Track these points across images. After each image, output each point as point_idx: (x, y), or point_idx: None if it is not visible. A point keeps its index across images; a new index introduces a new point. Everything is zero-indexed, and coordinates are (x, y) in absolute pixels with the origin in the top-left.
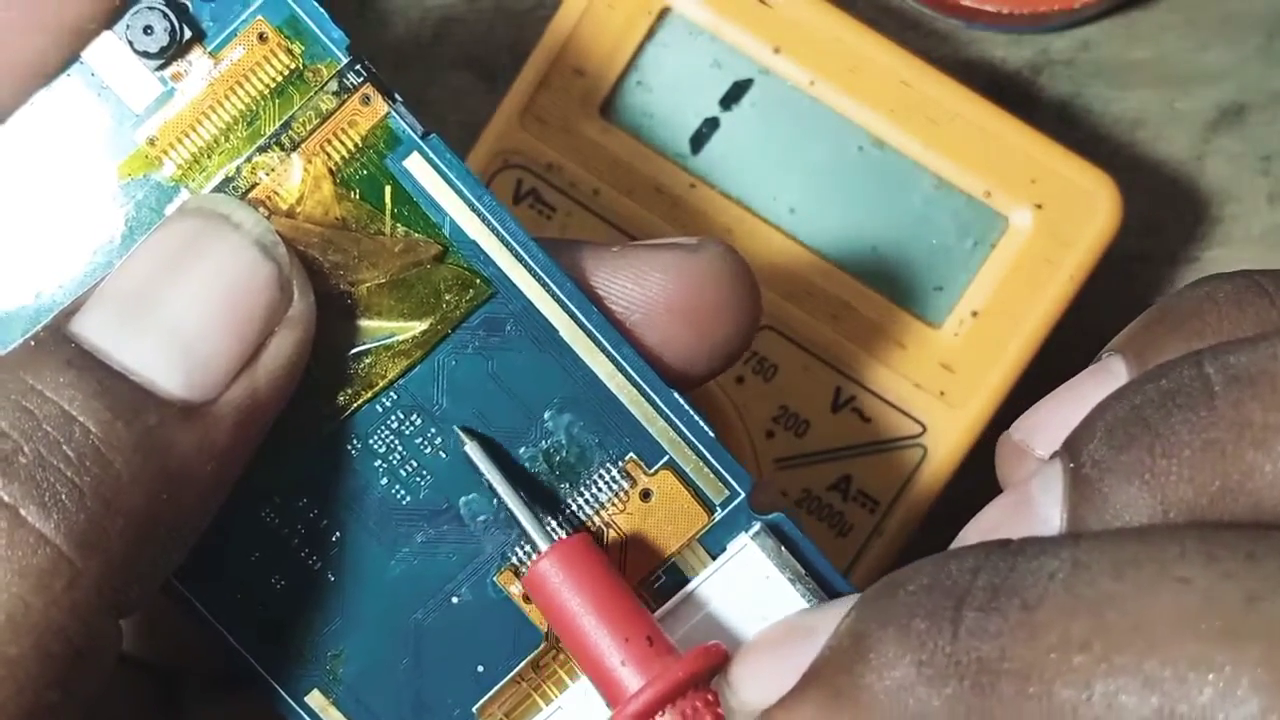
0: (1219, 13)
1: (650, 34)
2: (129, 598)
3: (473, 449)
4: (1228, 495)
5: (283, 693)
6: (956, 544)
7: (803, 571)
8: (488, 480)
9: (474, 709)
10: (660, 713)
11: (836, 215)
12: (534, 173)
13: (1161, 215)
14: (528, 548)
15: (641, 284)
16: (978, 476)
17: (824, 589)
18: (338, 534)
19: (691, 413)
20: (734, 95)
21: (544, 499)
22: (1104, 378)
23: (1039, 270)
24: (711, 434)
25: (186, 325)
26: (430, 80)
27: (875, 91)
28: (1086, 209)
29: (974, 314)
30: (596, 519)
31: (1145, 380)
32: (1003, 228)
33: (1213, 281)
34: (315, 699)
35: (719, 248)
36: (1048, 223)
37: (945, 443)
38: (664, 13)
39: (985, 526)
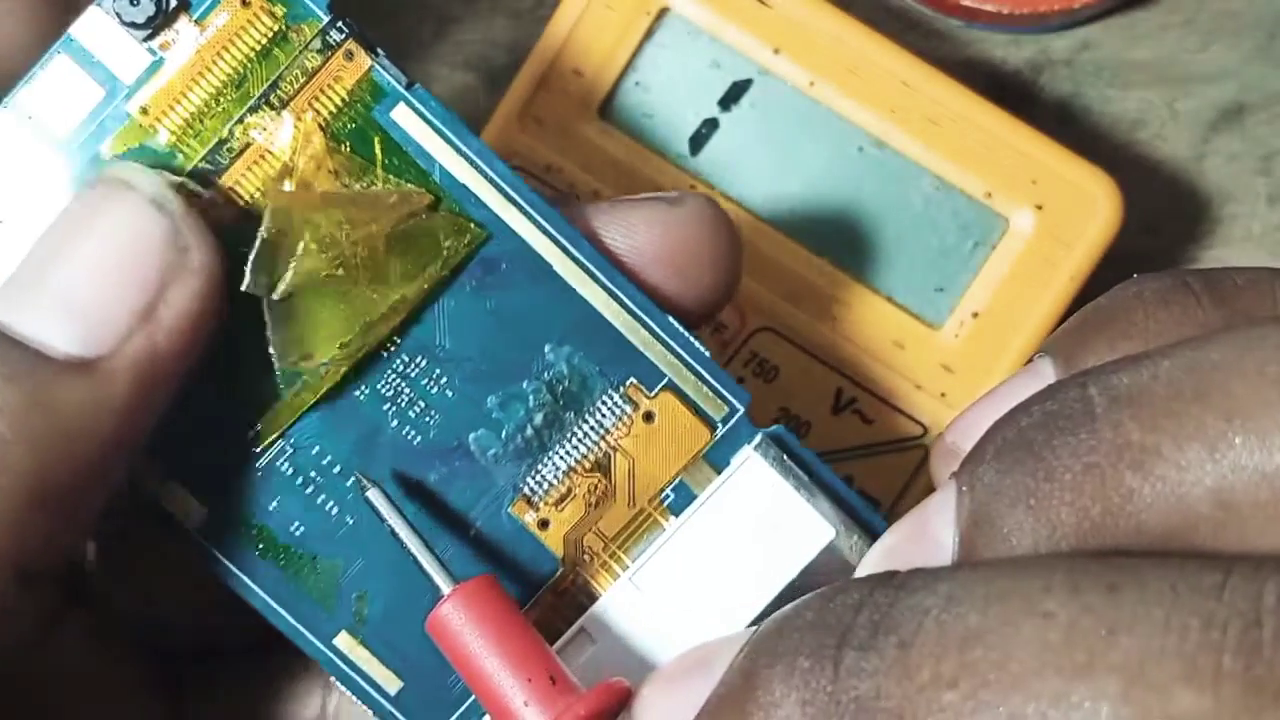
0: (1219, 13)
1: (649, 34)
2: (30, 560)
3: (374, 494)
4: (1109, 519)
5: (311, 638)
6: (860, 569)
7: (806, 478)
8: (389, 525)
9: None
10: None
11: (836, 216)
12: (533, 174)
13: (1161, 215)
14: (540, 476)
15: (629, 235)
16: None
17: (826, 494)
18: (353, 479)
19: (687, 334)
20: (733, 96)
21: (551, 433)
22: (1033, 380)
23: (1040, 271)
24: (707, 354)
25: (78, 285)
26: (430, 80)
27: (875, 92)
28: (1087, 209)
29: (975, 315)
30: (603, 444)
31: (1033, 401)
32: (1003, 228)
33: (1141, 281)
34: (343, 640)
35: (700, 199)
36: (1048, 223)
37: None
38: (663, 13)
39: (885, 551)
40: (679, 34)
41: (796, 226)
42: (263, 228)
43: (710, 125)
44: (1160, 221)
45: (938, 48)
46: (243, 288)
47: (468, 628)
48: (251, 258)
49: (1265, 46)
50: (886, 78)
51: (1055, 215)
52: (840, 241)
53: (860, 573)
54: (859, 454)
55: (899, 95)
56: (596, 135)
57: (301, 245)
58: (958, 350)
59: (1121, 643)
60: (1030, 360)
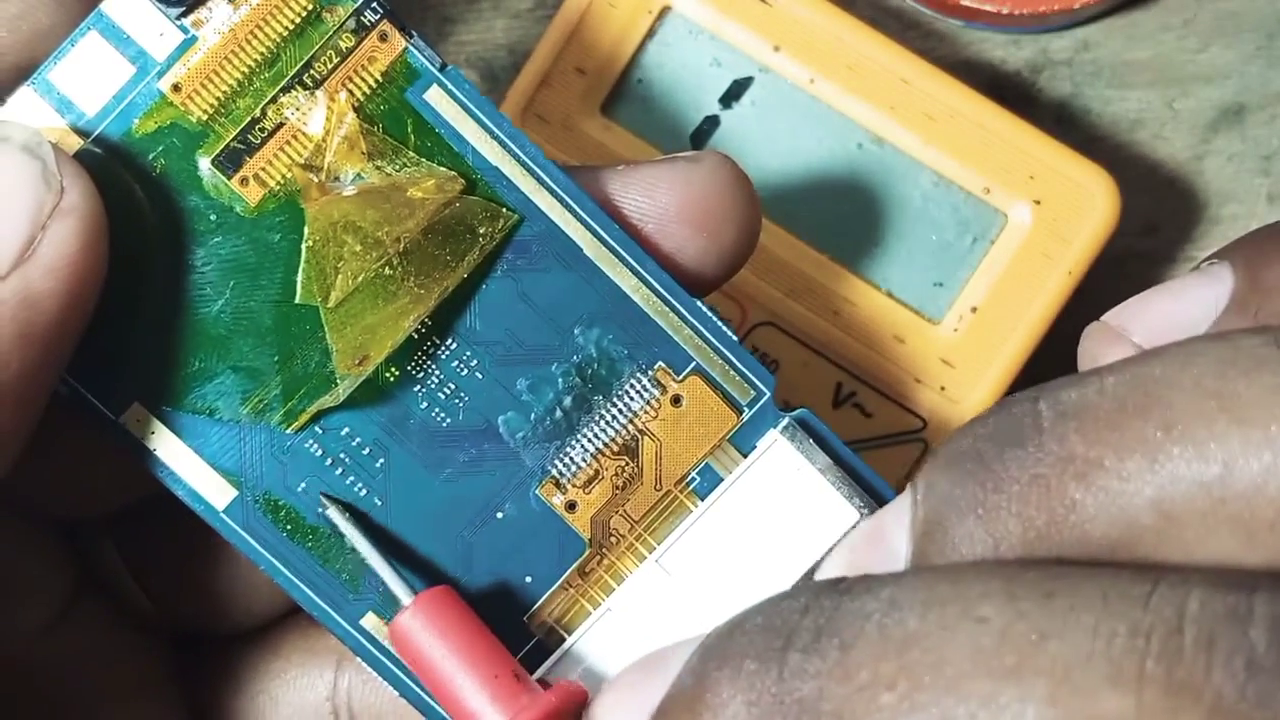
0: (1219, 13)
1: (651, 32)
2: None
3: (334, 512)
4: (1054, 529)
5: (338, 619)
6: (819, 574)
7: (831, 462)
8: (350, 541)
9: (524, 618)
10: None
11: (836, 212)
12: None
13: (1161, 215)
14: (568, 458)
15: (651, 196)
16: None
17: (852, 478)
18: (382, 460)
19: (715, 319)
20: (734, 93)
21: (579, 412)
22: (1211, 280)
23: (1038, 266)
24: (735, 338)
25: None
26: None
27: (875, 89)
28: (1085, 205)
29: (973, 309)
30: (631, 427)
31: (987, 415)
32: (1002, 224)
33: None
34: (370, 621)
35: (718, 157)
36: (1046, 218)
37: (946, 438)
38: (664, 11)
39: (844, 553)
40: (680, 32)
41: (797, 222)
42: (305, 237)
43: (711, 122)
44: (1160, 221)
45: (938, 48)
46: (297, 300)
47: (427, 634)
48: (301, 269)
49: (1265, 46)
50: (886, 75)
51: (1053, 210)
52: (840, 237)
53: (819, 578)
54: (859, 447)
55: (898, 92)
56: (599, 132)
57: (347, 249)
58: (957, 344)
59: (1050, 647)
60: (1203, 264)
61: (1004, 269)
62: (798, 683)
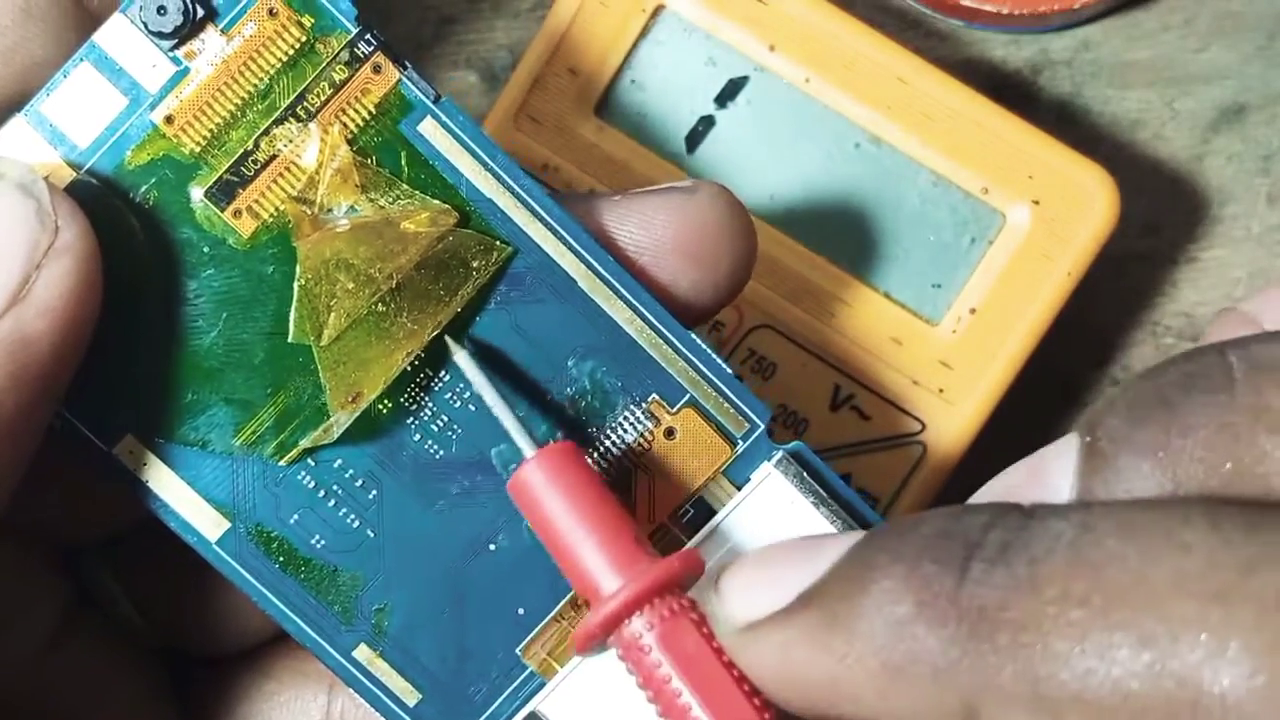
0: (1219, 13)
1: (644, 32)
2: None
3: (461, 357)
4: (1239, 477)
5: (330, 650)
6: (974, 500)
7: (825, 495)
8: (475, 387)
9: (517, 651)
10: (637, 613)
11: (833, 213)
12: (530, 174)
13: (1161, 215)
14: None
15: (648, 228)
16: (977, 473)
17: (847, 512)
18: (375, 491)
19: (709, 352)
20: (729, 93)
21: (544, 412)
22: None
23: (1037, 266)
24: (729, 371)
25: None
26: (431, 81)
27: (871, 88)
28: (1083, 204)
29: (972, 311)
30: (624, 459)
31: (1171, 363)
32: (1000, 224)
33: None
34: (362, 653)
35: (714, 188)
36: (1045, 219)
37: (944, 440)
38: (658, 10)
39: (999, 490)
40: (675, 31)
41: (793, 224)
42: (298, 276)
43: (706, 123)
44: (1160, 221)
45: (938, 48)
46: (289, 339)
47: (547, 489)
48: (293, 308)
49: (1265, 46)
50: (882, 74)
51: (1052, 210)
52: (837, 238)
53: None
54: (857, 450)
55: (895, 91)
56: (593, 134)
57: (339, 287)
58: (955, 346)
59: (1259, 577)
60: None
61: (1002, 270)
62: (980, 590)
